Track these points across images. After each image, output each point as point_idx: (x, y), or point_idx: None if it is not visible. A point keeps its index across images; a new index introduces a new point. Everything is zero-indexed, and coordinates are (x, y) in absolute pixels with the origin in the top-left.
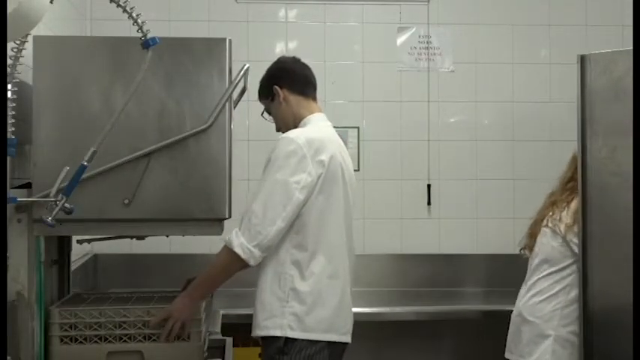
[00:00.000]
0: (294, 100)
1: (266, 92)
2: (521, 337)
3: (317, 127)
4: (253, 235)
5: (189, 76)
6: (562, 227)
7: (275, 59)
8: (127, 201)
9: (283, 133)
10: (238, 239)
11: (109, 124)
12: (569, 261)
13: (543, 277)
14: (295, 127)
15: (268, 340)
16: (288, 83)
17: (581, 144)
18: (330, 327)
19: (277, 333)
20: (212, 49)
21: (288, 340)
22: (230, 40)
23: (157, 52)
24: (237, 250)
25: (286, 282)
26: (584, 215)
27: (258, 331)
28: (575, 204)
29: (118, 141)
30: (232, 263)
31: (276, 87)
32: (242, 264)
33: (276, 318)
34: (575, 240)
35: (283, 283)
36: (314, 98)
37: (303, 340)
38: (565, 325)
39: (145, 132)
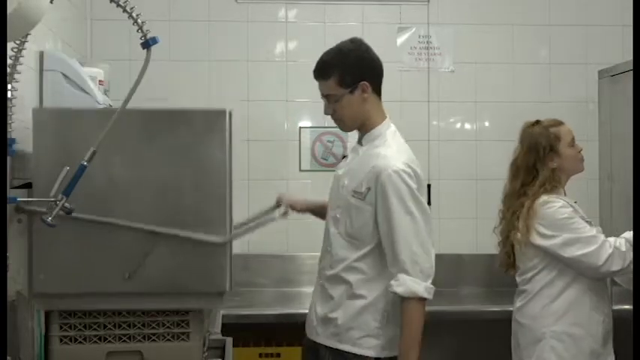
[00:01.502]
0: (373, 100)
1: (349, 82)
2: (519, 341)
3: (402, 142)
4: (427, 274)
5: (189, 148)
6: (525, 238)
7: (327, 50)
8: (127, 275)
9: (340, 124)
10: (419, 285)
11: (110, 121)
12: (543, 261)
13: (526, 281)
14: (360, 127)
15: (354, 356)
16: (374, 81)
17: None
18: None
19: (371, 353)
20: (212, 121)
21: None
22: (230, 112)
23: (157, 124)
24: (425, 294)
25: (386, 304)
26: None
27: (350, 347)
28: (526, 205)
29: (119, 211)
30: (423, 308)
31: (366, 83)
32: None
33: (373, 338)
34: (538, 241)
35: (383, 306)
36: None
37: (387, 357)
38: (557, 320)
39: (145, 204)
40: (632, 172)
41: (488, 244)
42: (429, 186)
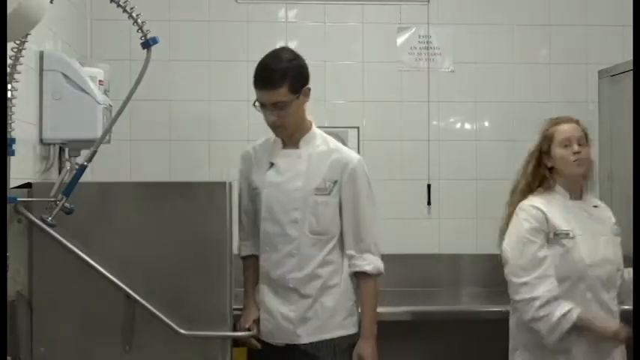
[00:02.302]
0: (306, 103)
1: (297, 88)
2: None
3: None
4: (380, 254)
5: (189, 220)
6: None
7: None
8: (127, 347)
9: (280, 130)
10: (380, 263)
11: (111, 119)
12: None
13: (508, 294)
14: (295, 131)
15: (341, 339)
16: (308, 85)
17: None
18: None
19: (352, 330)
20: (212, 193)
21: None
22: (230, 184)
23: (158, 196)
24: (383, 270)
25: (352, 283)
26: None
27: (337, 332)
28: (511, 223)
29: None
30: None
31: (309, 87)
32: None
33: (353, 316)
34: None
35: (351, 285)
36: None
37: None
38: (528, 331)
39: (142, 276)
40: (632, 172)
41: (489, 244)
42: (429, 186)
